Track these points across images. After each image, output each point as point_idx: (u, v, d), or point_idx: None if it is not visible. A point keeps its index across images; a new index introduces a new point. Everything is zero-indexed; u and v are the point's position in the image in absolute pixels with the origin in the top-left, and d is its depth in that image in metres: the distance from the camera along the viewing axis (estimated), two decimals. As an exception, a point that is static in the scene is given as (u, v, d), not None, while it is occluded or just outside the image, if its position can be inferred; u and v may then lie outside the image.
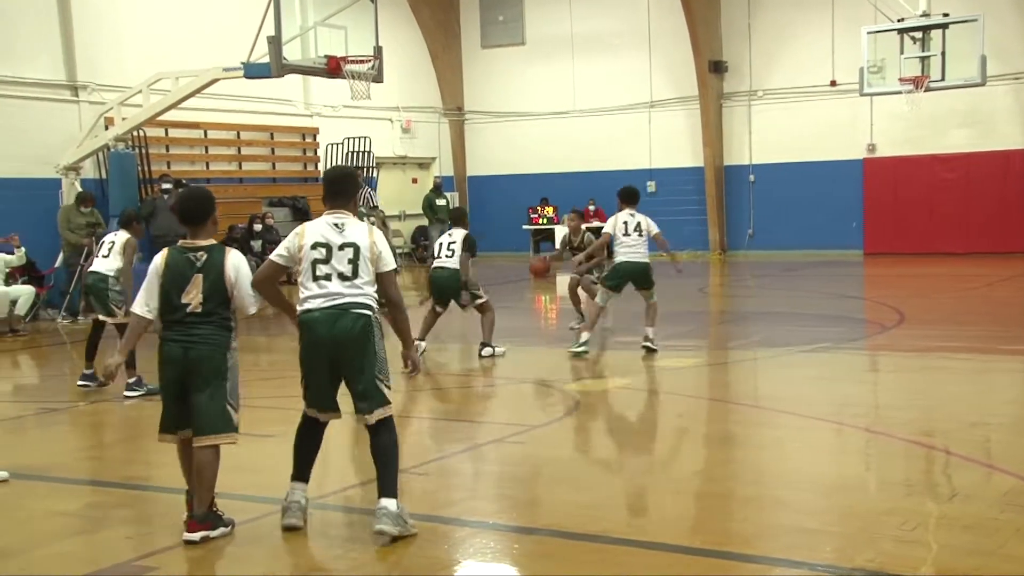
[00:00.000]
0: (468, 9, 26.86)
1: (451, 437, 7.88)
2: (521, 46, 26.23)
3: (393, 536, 5.04)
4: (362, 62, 15.96)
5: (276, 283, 5.41)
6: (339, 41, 15.84)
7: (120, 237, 9.26)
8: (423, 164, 26.76)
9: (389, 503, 5.09)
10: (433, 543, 5.20)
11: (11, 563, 5.07)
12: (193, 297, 5.22)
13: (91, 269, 9.25)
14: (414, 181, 26.39)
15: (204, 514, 5.16)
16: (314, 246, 5.20)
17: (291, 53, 15.12)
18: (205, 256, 5.26)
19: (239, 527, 5.44)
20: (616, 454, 7.10)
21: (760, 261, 22.97)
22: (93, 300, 9.22)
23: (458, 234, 10.94)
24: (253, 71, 15.32)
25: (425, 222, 24.88)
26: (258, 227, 19.34)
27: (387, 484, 5.16)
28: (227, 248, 5.44)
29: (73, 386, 10.10)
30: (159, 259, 5.31)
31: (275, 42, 14.70)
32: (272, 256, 5.34)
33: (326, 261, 5.18)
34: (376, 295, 5.24)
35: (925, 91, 18.02)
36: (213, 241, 5.41)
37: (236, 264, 5.25)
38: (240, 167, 21.51)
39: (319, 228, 5.28)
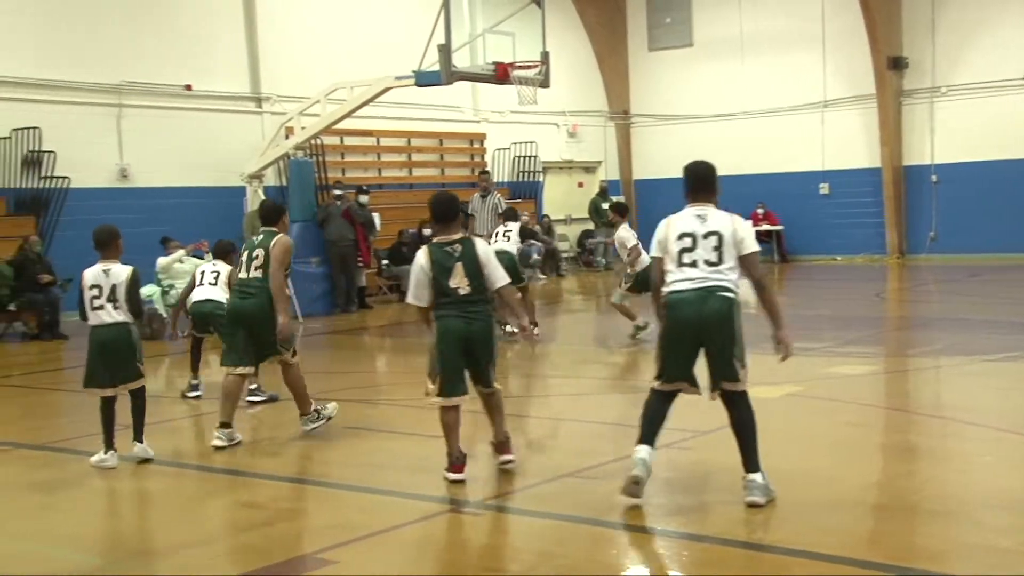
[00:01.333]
0: (635, 12, 26.72)
1: (620, 440, 7.82)
2: (689, 48, 25.90)
3: (761, 504, 5.49)
4: (529, 67, 16.09)
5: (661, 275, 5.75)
6: (507, 47, 16.00)
7: (223, 267, 9.43)
8: (589, 168, 26.75)
9: (756, 476, 5.54)
10: (602, 548, 5.20)
11: (202, 550, 5.35)
12: (459, 282, 6.25)
13: (206, 297, 9.32)
14: (580, 185, 26.40)
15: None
16: (680, 236, 5.65)
17: (460, 60, 15.37)
18: (460, 248, 6.28)
19: (413, 526, 5.59)
20: (787, 463, 6.91)
21: (943, 265, 21.95)
22: (211, 326, 9.40)
23: (513, 226, 13.40)
24: (424, 79, 15.63)
25: (591, 226, 24.89)
26: (427, 231, 19.74)
27: (751, 458, 5.60)
28: (474, 238, 6.45)
29: (262, 383, 10.59)
30: (423, 257, 6.29)
31: (445, 50, 14.99)
32: (652, 252, 5.85)
33: (691, 249, 5.62)
34: (735, 281, 5.61)
35: None
36: (463, 234, 6.40)
37: (485, 250, 6.33)
38: (410, 173, 22.01)
39: (684, 219, 5.74)
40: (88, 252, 7.69)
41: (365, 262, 17.93)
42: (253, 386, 9.08)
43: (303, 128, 17.58)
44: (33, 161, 16.10)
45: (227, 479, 6.77)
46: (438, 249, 6.30)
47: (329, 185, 18.64)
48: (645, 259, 11.22)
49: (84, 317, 7.07)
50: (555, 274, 22.90)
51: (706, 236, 5.63)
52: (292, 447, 7.54)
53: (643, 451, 5.62)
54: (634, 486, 5.50)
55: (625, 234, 12.26)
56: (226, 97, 18.79)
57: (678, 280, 5.63)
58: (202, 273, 9.63)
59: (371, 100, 16.94)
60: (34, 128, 15.98)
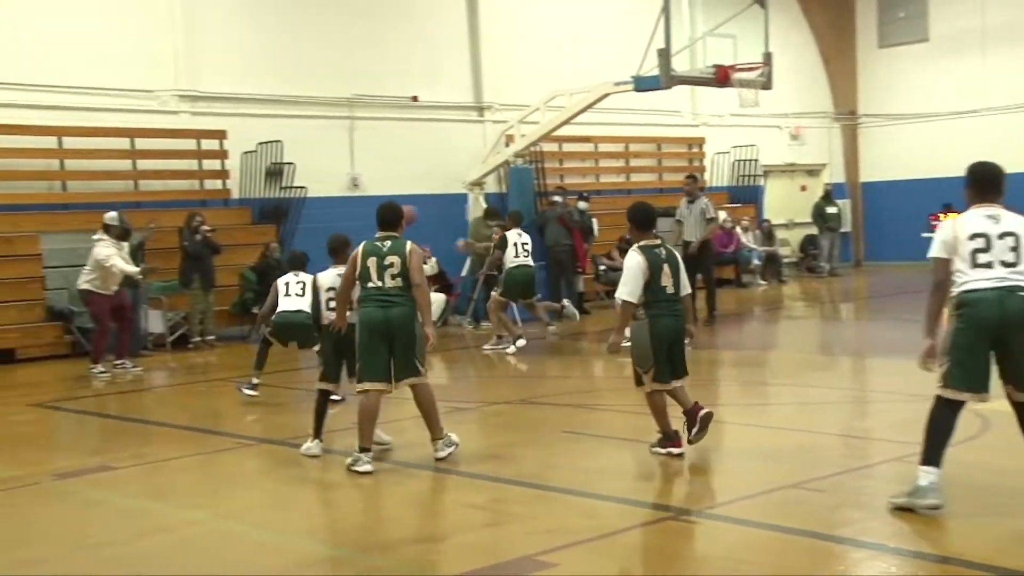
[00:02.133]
0: (865, 8, 25.85)
1: (847, 452, 7.60)
2: (924, 43, 24.77)
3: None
4: (751, 69, 15.91)
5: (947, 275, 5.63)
6: (728, 49, 15.85)
7: (305, 277, 9.59)
8: (812, 171, 26.08)
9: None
10: (829, 564, 5.05)
11: (429, 547, 5.56)
12: (667, 282, 7.00)
13: (297, 308, 9.58)
14: (803, 188, 25.78)
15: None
16: (972, 236, 5.54)
17: (679, 64, 15.28)
18: (665, 251, 7.07)
19: (633, 532, 5.60)
20: None
21: None
22: (297, 336, 9.80)
23: (526, 236, 13.70)
24: (643, 84, 15.67)
25: (814, 230, 24.20)
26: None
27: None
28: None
29: (480, 387, 10.86)
30: (640, 257, 6.91)
31: (664, 55, 14.94)
32: (935, 253, 5.69)
33: (986, 250, 5.52)
34: None
35: None
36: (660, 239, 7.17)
37: (678, 256, 7.21)
38: (628, 179, 22.01)
39: (974, 220, 5.62)
40: (323, 258, 8.13)
41: (582, 267, 18.05)
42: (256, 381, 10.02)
43: (523, 136, 17.88)
44: (275, 172, 17.07)
45: (451, 479, 6.97)
46: (648, 251, 6.99)
47: (548, 192, 18.89)
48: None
49: (317, 317, 7.50)
50: (776, 280, 22.45)
51: (1001, 237, 5.52)
52: (509, 451, 7.69)
53: (932, 475, 5.41)
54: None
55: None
56: (450, 107, 19.35)
57: (974, 280, 5.50)
58: (287, 284, 9.98)
59: (589, 107, 17.06)
60: (276, 142, 16.93)
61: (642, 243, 7.01)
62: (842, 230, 24.54)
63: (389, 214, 7.37)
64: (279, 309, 9.89)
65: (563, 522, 5.78)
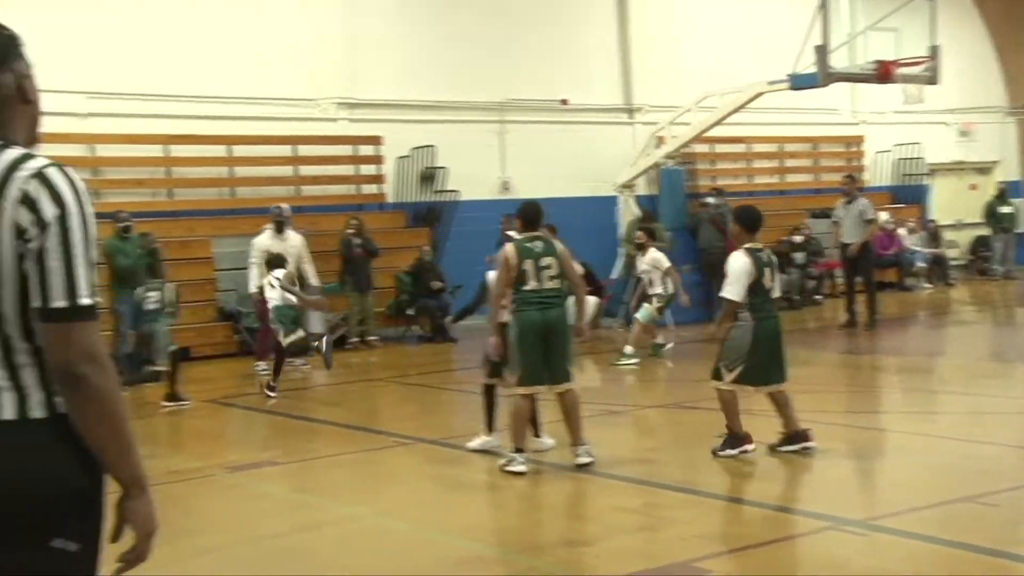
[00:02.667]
0: None
1: (1022, 466, 7.29)
2: None
3: None
4: (916, 64, 15.59)
5: None
6: (890, 44, 15.66)
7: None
8: (983, 169, 25.24)
9: None
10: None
11: (583, 550, 5.59)
12: (771, 283, 7.33)
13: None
14: (972, 187, 24.98)
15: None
16: None
17: (838, 61, 15.10)
18: (770, 254, 7.44)
19: (791, 541, 5.51)
20: None
21: None
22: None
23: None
24: (799, 82, 15.49)
25: (986, 231, 23.42)
26: (798, 239, 19.27)
27: None
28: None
29: (633, 390, 10.85)
30: (747, 259, 7.11)
31: (822, 51, 14.79)
32: None
33: None
34: None
35: None
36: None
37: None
38: (782, 179, 21.76)
39: None
40: (475, 261, 8.28)
41: None
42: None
43: (674, 137, 17.88)
44: (429, 177, 17.54)
45: (604, 483, 6.98)
46: (754, 253, 7.23)
47: (699, 194, 18.81)
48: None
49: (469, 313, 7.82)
50: (943, 283, 21.77)
51: None
52: (662, 455, 7.68)
53: None
54: None
55: (658, 256, 12.93)
56: (600, 109, 19.51)
57: None
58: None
59: (742, 106, 16.93)
60: (430, 146, 17.38)
61: (747, 245, 7.23)
62: (1017, 231, 23.57)
63: (535, 213, 7.39)
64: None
65: (719, 528, 5.75)
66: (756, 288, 7.10)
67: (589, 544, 5.72)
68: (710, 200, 17.87)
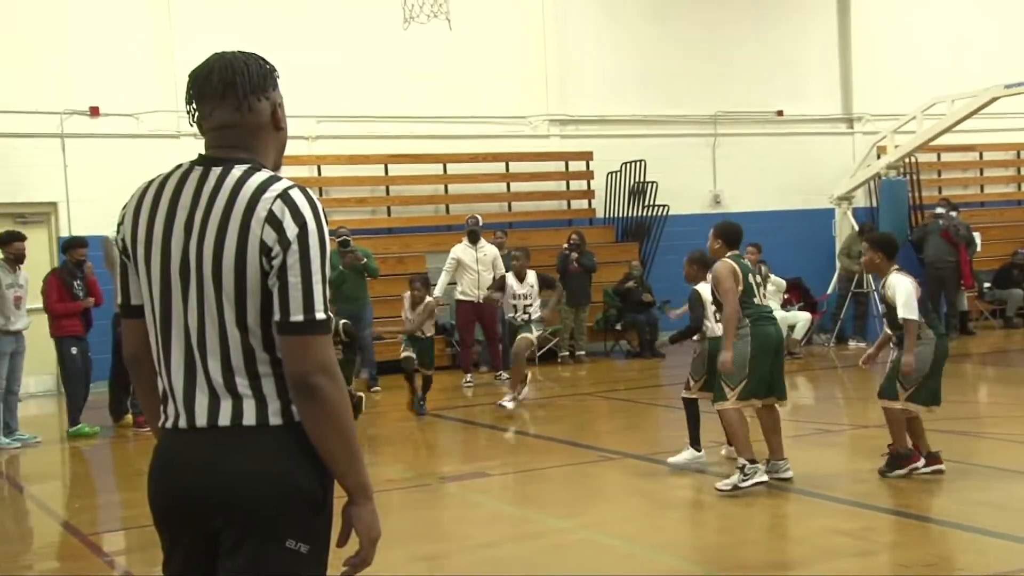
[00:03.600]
0: None
1: None
2: None
3: None
4: None
5: None
6: None
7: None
8: None
9: None
10: None
11: (795, 573, 5.51)
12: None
13: None
14: None
15: None
16: None
17: None
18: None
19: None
20: None
21: None
22: None
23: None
24: None
25: None
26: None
27: None
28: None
29: (848, 408, 10.54)
30: (909, 279, 7.09)
31: None
32: None
33: None
34: None
35: None
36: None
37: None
38: (1020, 188, 20.82)
39: None
40: (683, 276, 8.29)
41: (967, 284, 17.15)
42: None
43: (896, 147, 17.38)
44: (638, 191, 17.64)
45: (818, 503, 6.83)
46: (907, 273, 7.23)
47: (924, 205, 18.18)
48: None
49: (698, 328, 7.88)
50: None
51: None
52: (875, 476, 7.34)
53: None
54: None
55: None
56: (817, 120, 19.24)
57: None
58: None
59: (975, 112, 16.34)
60: (639, 161, 17.48)
61: (897, 267, 7.21)
62: None
63: (738, 233, 7.54)
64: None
65: (944, 556, 5.51)
66: (923, 308, 7.08)
67: (800, 567, 5.63)
68: (940, 211, 17.22)
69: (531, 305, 12.28)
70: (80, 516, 8.44)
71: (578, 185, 17.80)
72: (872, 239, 7.71)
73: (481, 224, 14.60)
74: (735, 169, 18.54)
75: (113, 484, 10.05)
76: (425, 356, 11.37)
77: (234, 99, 2.78)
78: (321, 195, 16.14)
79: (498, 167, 17.30)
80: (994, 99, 15.95)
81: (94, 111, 15.37)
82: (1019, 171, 21.03)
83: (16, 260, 11.30)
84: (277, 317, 2.65)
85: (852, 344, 15.34)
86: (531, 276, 12.67)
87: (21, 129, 15.05)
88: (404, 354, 11.32)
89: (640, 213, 17.64)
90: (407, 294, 12.05)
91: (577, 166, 17.72)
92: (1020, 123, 19.60)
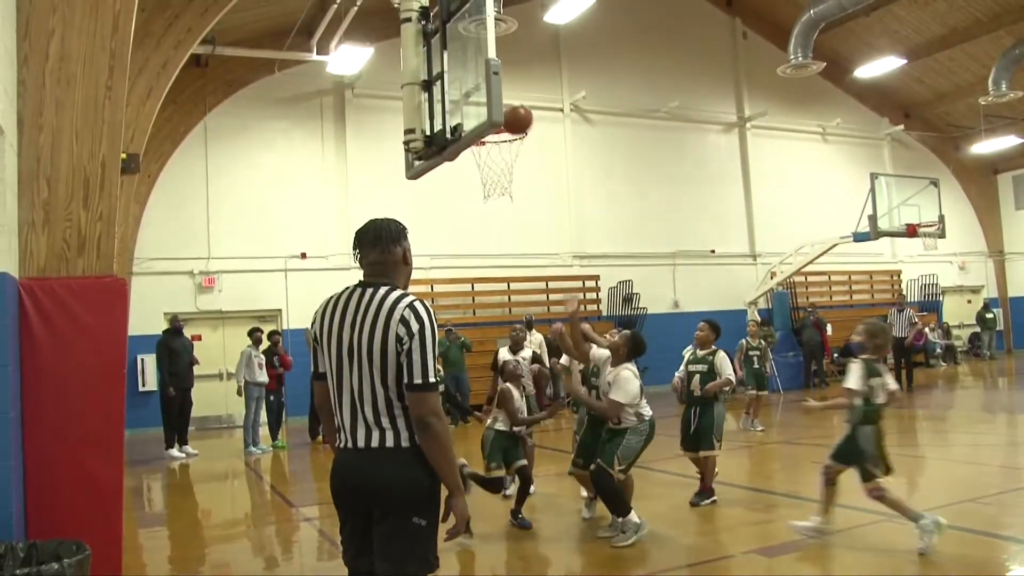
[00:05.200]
0: (1004, 185, 26.65)
1: (1002, 478, 7.53)
2: None
3: None
4: (930, 226, 17.02)
5: None
6: (914, 213, 17.01)
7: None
8: (975, 290, 26.77)
9: None
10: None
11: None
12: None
13: None
14: (968, 302, 26.50)
15: None
16: None
17: (883, 223, 16.55)
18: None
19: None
20: None
21: None
22: None
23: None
24: (859, 237, 16.87)
25: (977, 329, 25.05)
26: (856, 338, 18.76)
27: None
28: None
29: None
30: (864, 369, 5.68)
31: (872, 218, 16.42)
32: None
33: None
34: None
35: None
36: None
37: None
38: (851, 298, 22.40)
39: None
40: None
41: (827, 355, 18.62)
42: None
43: (781, 271, 19.55)
44: (628, 299, 18.48)
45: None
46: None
47: (800, 307, 20.17)
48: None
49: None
50: (953, 362, 23.05)
51: None
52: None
53: None
54: None
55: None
56: (735, 255, 20.75)
57: None
58: None
59: (825, 252, 18.41)
60: (628, 280, 18.60)
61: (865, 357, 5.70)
62: (996, 329, 24.77)
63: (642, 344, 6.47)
64: None
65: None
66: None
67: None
68: (809, 311, 19.18)
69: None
70: (293, 494, 8.91)
71: (591, 295, 18.88)
72: (709, 323, 7.22)
73: (531, 319, 14.85)
74: (687, 285, 20.05)
75: (311, 476, 10.34)
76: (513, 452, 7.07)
77: (380, 246, 2.99)
78: (433, 303, 16.65)
79: (540, 285, 18.34)
80: (835, 244, 18.05)
81: (303, 255, 16.45)
82: (850, 287, 22.84)
83: (257, 343, 12.74)
84: (406, 380, 2.82)
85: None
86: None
87: (262, 267, 16.19)
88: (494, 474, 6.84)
89: (629, 312, 18.79)
90: (504, 349, 10.01)
91: (590, 283, 18.93)
92: (846, 258, 21.26)
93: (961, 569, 4.91)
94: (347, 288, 3.08)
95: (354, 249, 3.11)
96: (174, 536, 7.51)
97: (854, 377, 5.61)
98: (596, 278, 19.24)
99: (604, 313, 19.17)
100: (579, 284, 19.02)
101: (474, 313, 17.89)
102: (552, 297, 18.37)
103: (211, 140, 16.40)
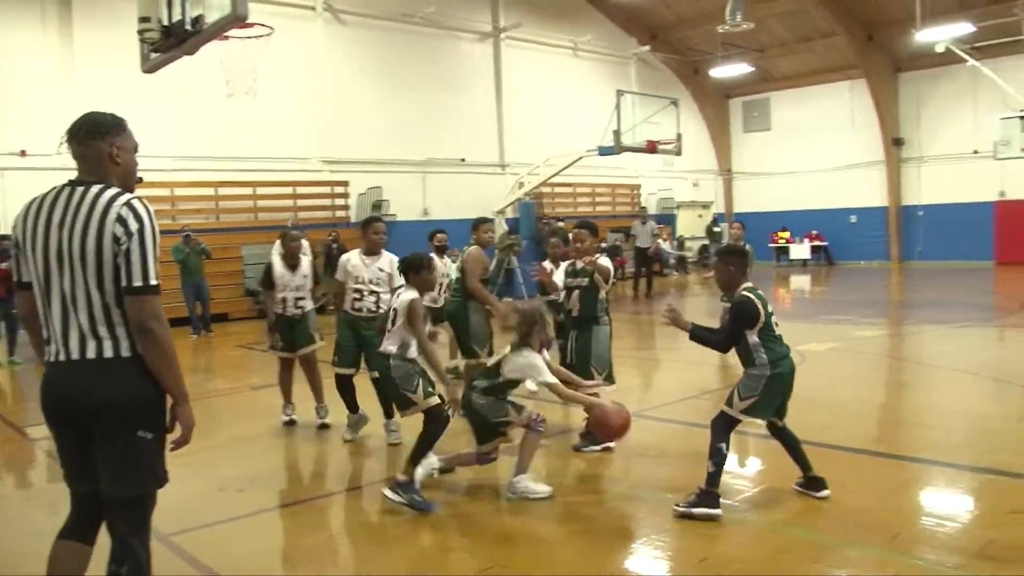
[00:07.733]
0: (735, 109, 26.73)
1: (708, 377, 7.50)
2: (768, 131, 25.90)
3: None
4: (668, 143, 16.56)
5: None
6: (655, 131, 16.56)
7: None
8: (705, 205, 26.77)
9: None
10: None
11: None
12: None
13: None
14: (699, 216, 26.65)
15: None
16: None
17: (626, 139, 16.00)
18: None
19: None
20: (833, 393, 6.71)
21: (926, 269, 21.43)
22: None
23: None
24: (604, 151, 16.28)
25: (706, 241, 25.16)
26: (604, 244, 18.96)
27: None
28: None
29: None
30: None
31: (616, 134, 15.76)
32: None
33: None
34: None
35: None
36: None
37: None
38: (594, 209, 22.26)
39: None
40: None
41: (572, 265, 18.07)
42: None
43: (529, 182, 18.45)
44: (377, 205, 17.31)
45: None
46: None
47: (545, 217, 19.52)
48: None
49: None
50: (684, 272, 23.25)
51: None
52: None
53: None
54: None
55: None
56: (485, 164, 19.76)
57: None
58: None
59: (571, 164, 17.50)
60: (378, 187, 17.38)
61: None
62: (723, 241, 24.32)
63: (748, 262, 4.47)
64: None
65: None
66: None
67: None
68: (550, 221, 18.54)
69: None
70: (15, 413, 7.76)
71: (340, 201, 17.36)
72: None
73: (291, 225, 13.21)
74: (438, 193, 18.74)
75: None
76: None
77: (79, 139, 2.63)
78: (173, 207, 15.17)
79: (288, 190, 16.62)
80: (580, 157, 17.15)
81: (22, 153, 14.20)
82: (594, 199, 22.26)
83: None
84: (124, 283, 2.52)
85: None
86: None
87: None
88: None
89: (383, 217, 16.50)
90: (276, 257, 6.82)
91: (339, 189, 17.31)
92: (594, 171, 20.74)
93: (690, 461, 4.92)
94: (54, 188, 2.62)
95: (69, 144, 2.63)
96: None
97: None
98: (345, 184, 17.37)
99: (352, 220, 17.35)
100: (328, 189, 17.18)
101: (218, 218, 15.92)
102: (302, 202, 16.71)
103: None
